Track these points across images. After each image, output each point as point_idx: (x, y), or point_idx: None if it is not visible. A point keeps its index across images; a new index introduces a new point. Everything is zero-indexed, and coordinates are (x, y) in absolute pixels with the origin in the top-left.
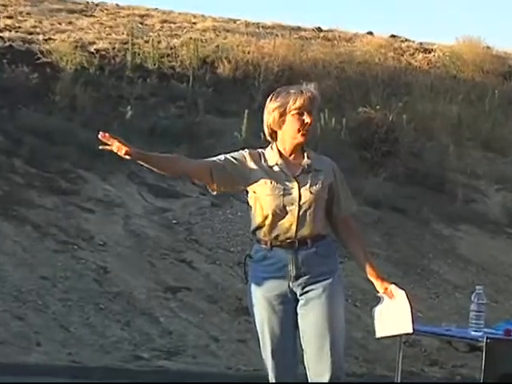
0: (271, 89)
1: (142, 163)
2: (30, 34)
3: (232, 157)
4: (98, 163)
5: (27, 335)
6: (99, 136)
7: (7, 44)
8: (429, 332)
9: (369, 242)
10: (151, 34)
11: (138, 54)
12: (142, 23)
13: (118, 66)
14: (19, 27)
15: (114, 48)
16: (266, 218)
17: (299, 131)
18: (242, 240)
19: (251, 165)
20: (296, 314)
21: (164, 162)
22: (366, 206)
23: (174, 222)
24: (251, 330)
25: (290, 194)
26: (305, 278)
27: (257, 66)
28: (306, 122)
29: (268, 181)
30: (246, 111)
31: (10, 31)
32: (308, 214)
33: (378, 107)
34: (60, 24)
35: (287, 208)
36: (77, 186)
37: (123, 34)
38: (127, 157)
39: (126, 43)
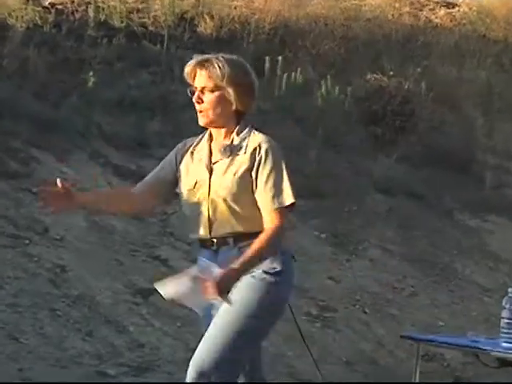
0: (262, 51)
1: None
2: None
3: (163, 162)
4: (53, 140)
5: None
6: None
7: None
8: (452, 344)
9: (379, 236)
10: None
11: (102, 9)
12: None
13: (77, 23)
14: None
15: (72, 2)
16: (186, 217)
17: (198, 112)
18: None
19: (178, 160)
20: None
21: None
22: (375, 193)
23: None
24: None
25: (202, 186)
26: None
27: (245, 23)
28: (195, 100)
29: (186, 174)
30: None
31: None
32: (223, 209)
33: (391, 73)
34: None
35: (202, 203)
36: (28, 167)
37: None
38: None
39: None
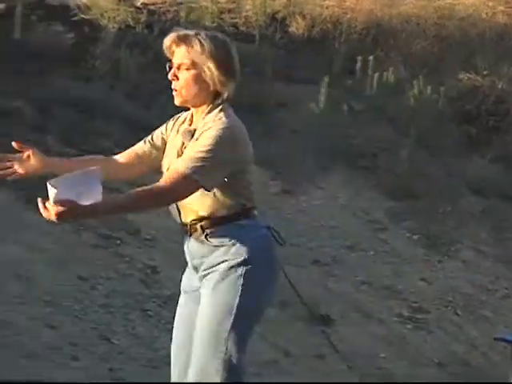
0: (354, 50)
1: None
2: None
3: (155, 132)
4: None
5: (61, 347)
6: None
7: None
8: None
9: (472, 237)
10: None
11: (194, 10)
12: None
13: (169, 23)
14: None
15: (164, 2)
16: None
17: (173, 90)
18: (318, 234)
19: (167, 134)
20: None
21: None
22: (468, 194)
23: None
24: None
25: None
26: (200, 270)
27: (337, 23)
28: (170, 77)
29: (165, 155)
30: (326, 78)
31: None
32: None
33: (484, 72)
34: None
35: None
36: None
37: None
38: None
39: None
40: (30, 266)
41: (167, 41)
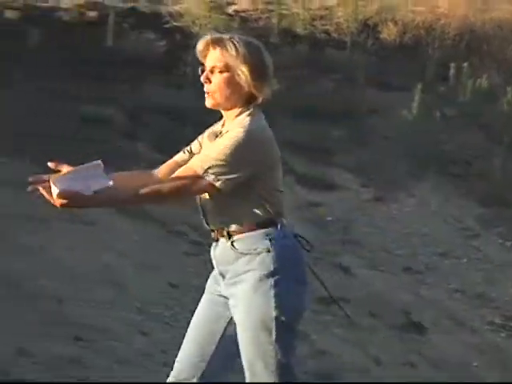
0: (447, 57)
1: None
2: None
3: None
4: None
5: (153, 354)
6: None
7: (130, 6)
8: None
9: None
10: None
11: (286, 17)
12: None
13: (261, 30)
14: None
15: (256, 9)
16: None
17: (205, 93)
18: (410, 241)
19: (202, 143)
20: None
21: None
22: None
23: (329, 218)
24: (421, 351)
25: None
26: (226, 277)
27: (430, 29)
28: (203, 80)
29: None
30: (418, 84)
31: None
32: (208, 200)
33: None
34: None
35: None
36: None
37: None
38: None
39: (271, 3)
40: (122, 273)
41: (201, 44)
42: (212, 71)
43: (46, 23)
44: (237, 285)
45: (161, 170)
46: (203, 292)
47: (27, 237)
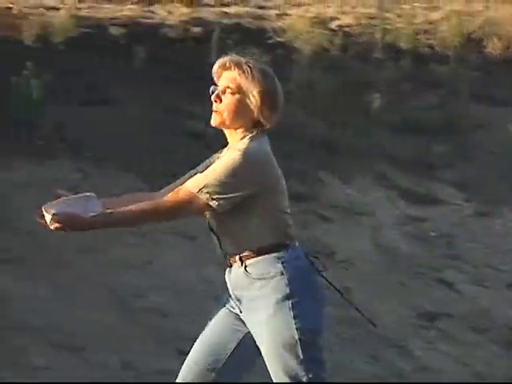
0: None
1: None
2: (261, 8)
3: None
4: (339, 162)
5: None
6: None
7: (234, 21)
8: None
9: None
10: (404, 6)
11: (389, 31)
12: None
13: (364, 45)
14: (248, 1)
15: (359, 24)
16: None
17: (213, 111)
18: None
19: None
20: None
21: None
22: None
23: (432, 234)
24: None
25: None
26: (242, 303)
27: None
28: (213, 99)
29: None
30: None
31: (238, 6)
32: (217, 224)
33: None
34: None
35: (208, 218)
36: (314, 189)
37: (371, 6)
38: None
39: (374, 18)
40: (224, 288)
41: (217, 64)
42: (224, 91)
43: (151, 39)
44: (254, 312)
45: (163, 192)
46: None
47: (131, 251)
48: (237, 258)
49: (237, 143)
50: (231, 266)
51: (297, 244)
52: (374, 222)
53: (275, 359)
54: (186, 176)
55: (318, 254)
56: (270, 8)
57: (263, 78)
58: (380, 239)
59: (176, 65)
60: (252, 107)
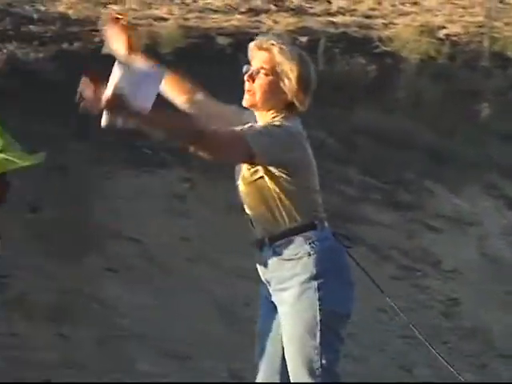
0: None
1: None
2: (368, 17)
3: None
4: (446, 172)
5: (366, 380)
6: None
7: (340, 30)
8: None
9: None
10: None
11: (497, 40)
12: (501, 1)
13: (472, 53)
14: (355, 10)
15: (467, 32)
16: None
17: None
18: None
19: None
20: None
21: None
22: None
23: None
24: None
25: (238, 183)
26: (272, 284)
27: None
28: (246, 78)
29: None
30: None
31: (344, 15)
32: (251, 207)
33: None
34: (403, 5)
35: (242, 200)
36: (421, 199)
37: (479, 15)
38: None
39: (482, 26)
40: None
41: (253, 44)
42: (258, 71)
43: None
44: (283, 292)
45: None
46: (413, 316)
47: (242, 261)
48: (266, 240)
49: (272, 120)
50: (261, 249)
51: (326, 225)
52: (481, 232)
53: (293, 340)
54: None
55: (423, 262)
56: (377, 17)
57: (300, 62)
58: (487, 249)
59: None
60: (286, 90)
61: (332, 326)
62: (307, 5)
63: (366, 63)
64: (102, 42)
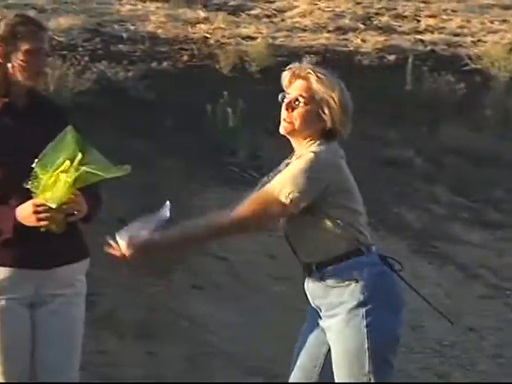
0: None
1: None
2: (456, 35)
3: None
4: None
5: None
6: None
7: (429, 48)
8: None
9: None
10: None
11: None
12: None
13: None
14: (443, 28)
15: None
16: None
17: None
18: None
19: None
20: None
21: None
22: None
23: None
24: None
25: None
26: (322, 311)
27: None
28: (284, 107)
29: None
30: None
31: (433, 33)
32: (293, 233)
33: None
34: (492, 23)
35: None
36: (510, 217)
37: None
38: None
39: None
40: (421, 316)
41: (290, 71)
42: (296, 100)
43: (345, 67)
44: (331, 318)
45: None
46: (502, 335)
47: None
48: (313, 266)
49: (307, 149)
50: (309, 276)
51: (373, 249)
52: None
53: (342, 366)
54: (258, 186)
55: None
56: (466, 35)
57: (340, 89)
58: None
59: (370, 92)
60: (325, 118)
61: (380, 352)
62: (395, 23)
63: (454, 81)
64: (190, 60)
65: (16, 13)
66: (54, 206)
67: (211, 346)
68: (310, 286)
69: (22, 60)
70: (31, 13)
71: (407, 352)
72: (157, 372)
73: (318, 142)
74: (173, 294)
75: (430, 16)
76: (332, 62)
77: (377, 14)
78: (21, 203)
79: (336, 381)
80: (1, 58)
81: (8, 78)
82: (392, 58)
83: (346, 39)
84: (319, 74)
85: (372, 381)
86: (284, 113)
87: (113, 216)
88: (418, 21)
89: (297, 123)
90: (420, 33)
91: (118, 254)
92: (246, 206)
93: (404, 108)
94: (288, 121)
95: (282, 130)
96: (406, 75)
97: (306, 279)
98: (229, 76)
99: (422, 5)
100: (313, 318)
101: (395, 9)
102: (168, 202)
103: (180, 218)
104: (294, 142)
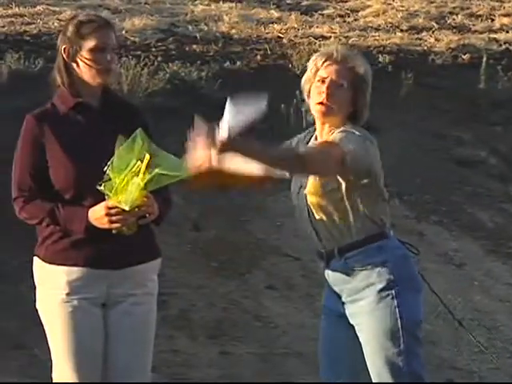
0: None
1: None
2: None
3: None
4: None
5: None
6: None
7: (503, 47)
8: None
9: None
10: None
11: None
12: None
13: None
14: None
15: None
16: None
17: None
18: None
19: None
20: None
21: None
22: None
23: None
24: None
25: (299, 191)
26: (343, 296)
27: None
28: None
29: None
30: None
31: (507, 32)
32: (321, 218)
33: None
34: None
35: (303, 211)
36: None
37: None
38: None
39: None
40: (495, 316)
41: (324, 55)
42: (335, 84)
43: (419, 66)
44: (357, 302)
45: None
46: None
47: None
48: (335, 251)
49: (340, 129)
50: (329, 261)
51: (392, 233)
52: None
53: (375, 348)
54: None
55: None
56: None
57: (369, 73)
58: None
59: (444, 91)
60: (360, 103)
61: (412, 331)
62: (469, 22)
63: None
64: (263, 60)
65: (83, 13)
66: (126, 208)
67: (284, 347)
68: (332, 272)
69: (86, 58)
70: (105, 14)
71: (482, 353)
72: (231, 372)
73: (349, 125)
74: (246, 294)
75: (505, 15)
76: (405, 61)
77: (451, 13)
78: (93, 204)
79: (368, 360)
80: (68, 58)
81: (78, 78)
82: (466, 57)
83: (420, 38)
84: (359, 60)
85: (406, 358)
86: (321, 96)
87: (187, 218)
88: (493, 20)
89: (336, 107)
90: (494, 32)
91: (205, 139)
92: (313, 148)
93: (478, 107)
94: (325, 105)
95: (316, 112)
96: (480, 74)
97: (326, 265)
98: (302, 76)
99: (496, 4)
100: (330, 312)
101: (469, 8)
102: (266, 94)
103: (254, 218)
104: (325, 122)
